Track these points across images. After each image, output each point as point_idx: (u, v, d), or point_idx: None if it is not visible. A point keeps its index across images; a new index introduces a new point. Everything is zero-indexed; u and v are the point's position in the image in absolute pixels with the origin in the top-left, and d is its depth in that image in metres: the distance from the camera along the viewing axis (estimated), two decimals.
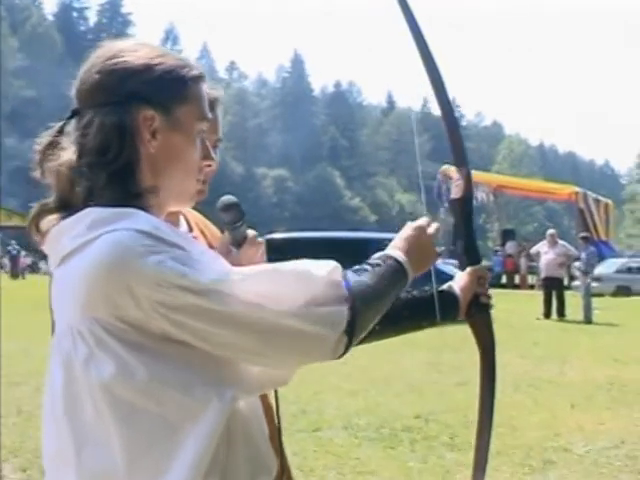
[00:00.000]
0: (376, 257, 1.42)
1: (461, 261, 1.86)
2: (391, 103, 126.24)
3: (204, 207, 1.72)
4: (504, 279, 32.92)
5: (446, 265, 13.41)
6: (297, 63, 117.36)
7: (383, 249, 1.47)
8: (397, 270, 1.42)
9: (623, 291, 27.99)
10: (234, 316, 1.16)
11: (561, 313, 17.15)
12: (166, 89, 1.29)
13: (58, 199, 1.28)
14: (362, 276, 1.32)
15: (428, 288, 1.76)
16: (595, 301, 17.84)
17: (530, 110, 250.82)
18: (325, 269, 1.24)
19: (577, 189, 34.82)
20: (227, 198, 1.60)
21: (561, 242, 17.99)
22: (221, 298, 1.15)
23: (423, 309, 1.76)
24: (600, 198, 36.00)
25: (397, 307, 1.54)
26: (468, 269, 1.82)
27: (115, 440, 1.18)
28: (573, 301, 17.90)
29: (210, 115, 1.39)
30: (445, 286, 1.80)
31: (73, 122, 1.31)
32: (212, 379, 1.22)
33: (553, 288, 17.28)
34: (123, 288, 1.13)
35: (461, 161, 1.81)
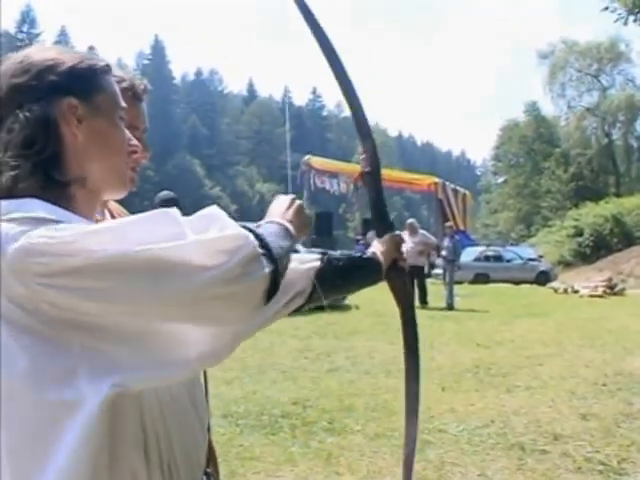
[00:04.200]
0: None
1: (377, 229, 1.97)
2: (252, 92, 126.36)
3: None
4: None
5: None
6: (158, 49, 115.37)
7: None
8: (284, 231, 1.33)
9: (481, 278, 29.01)
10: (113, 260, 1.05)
11: (423, 300, 17.39)
12: (82, 79, 1.30)
13: None
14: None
15: (357, 255, 1.89)
16: (456, 288, 18.38)
17: (388, 101, 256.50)
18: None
19: (436, 179, 35.64)
20: (165, 193, 1.58)
21: (421, 231, 18.21)
22: (91, 247, 1.05)
23: (356, 274, 1.85)
24: (458, 188, 37.13)
25: (331, 272, 1.68)
26: (386, 236, 1.93)
27: None
28: (432, 289, 18.38)
29: (124, 104, 1.39)
30: (369, 252, 1.89)
31: None
32: (92, 367, 1.09)
33: (415, 276, 17.26)
34: (5, 268, 1.05)
35: (367, 134, 1.92)
